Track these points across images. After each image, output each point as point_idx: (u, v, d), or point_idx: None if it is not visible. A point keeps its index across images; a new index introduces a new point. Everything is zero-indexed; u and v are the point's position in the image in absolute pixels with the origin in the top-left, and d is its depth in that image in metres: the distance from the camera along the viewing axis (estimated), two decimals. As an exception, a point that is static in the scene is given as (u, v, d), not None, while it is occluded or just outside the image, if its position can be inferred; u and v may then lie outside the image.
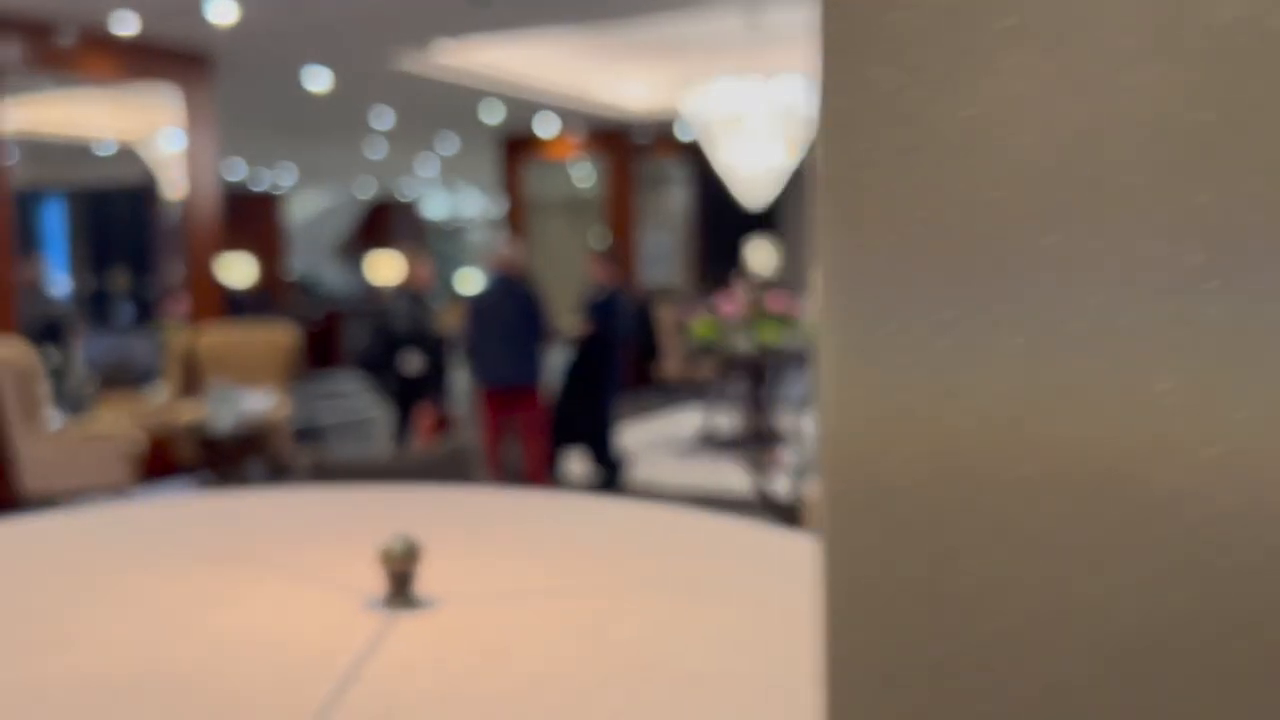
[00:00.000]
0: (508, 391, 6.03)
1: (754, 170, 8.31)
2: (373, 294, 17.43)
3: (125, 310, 11.88)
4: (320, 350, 12.53)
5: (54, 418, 6.28)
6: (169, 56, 7.13)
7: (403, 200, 18.91)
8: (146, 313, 11.37)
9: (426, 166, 14.81)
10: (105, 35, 6.70)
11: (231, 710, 0.21)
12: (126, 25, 6.51)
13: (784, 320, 8.37)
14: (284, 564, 0.34)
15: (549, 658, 0.33)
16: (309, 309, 14.54)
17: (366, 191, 17.79)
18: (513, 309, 6.00)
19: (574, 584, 0.41)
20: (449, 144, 12.42)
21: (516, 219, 12.28)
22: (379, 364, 6.38)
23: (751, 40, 7.99)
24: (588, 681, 0.32)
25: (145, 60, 7.01)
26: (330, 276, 17.88)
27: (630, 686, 0.34)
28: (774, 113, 8.04)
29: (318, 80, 8.34)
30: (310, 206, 17.64)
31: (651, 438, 8.81)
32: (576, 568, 0.42)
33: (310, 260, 17.43)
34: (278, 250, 16.00)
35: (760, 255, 8.75)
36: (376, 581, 0.34)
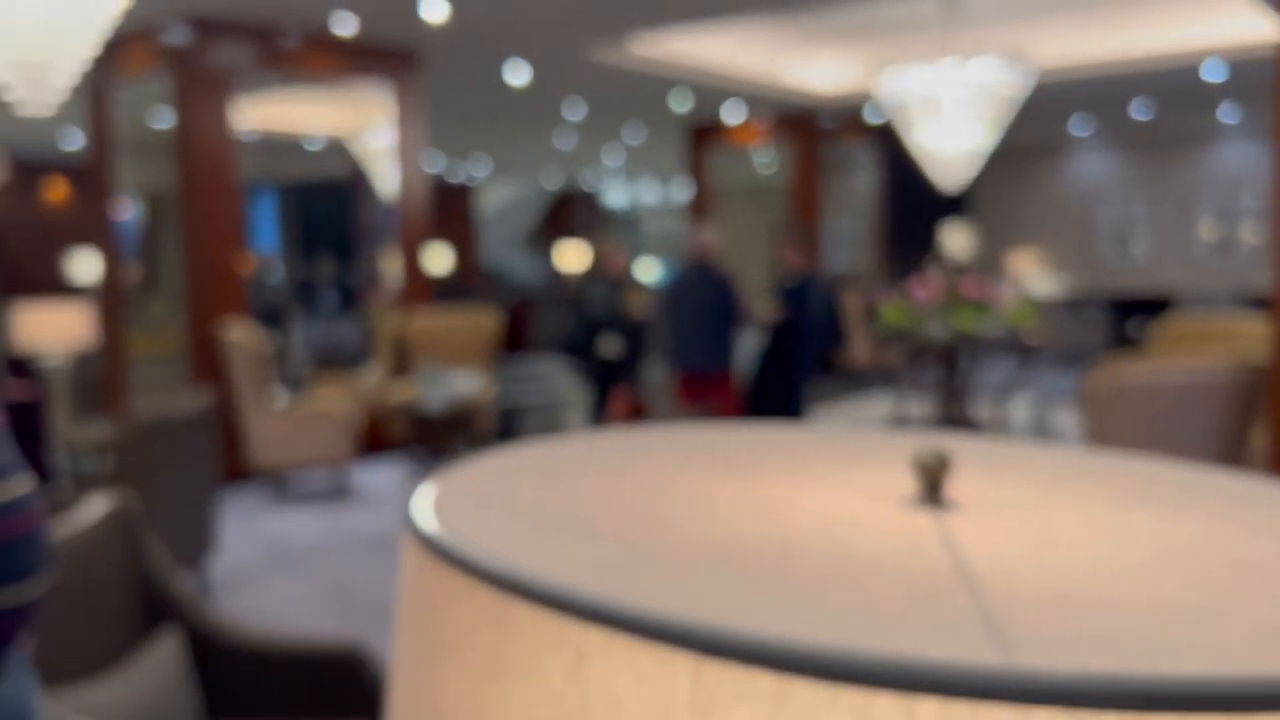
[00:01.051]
0: (701, 376, 6.10)
1: (950, 153, 8.09)
2: (559, 281, 17.91)
3: (330, 297, 12.63)
4: (511, 335, 12.96)
5: (279, 397, 6.75)
6: (382, 55, 7.53)
7: (586, 190, 19.31)
8: (350, 299, 12.06)
9: (613, 156, 15.07)
10: (326, 36, 7.13)
11: (835, 564, 0.26)
12: (346, 26, 6.91)
13: (980, 306, 8.11)
14: (812, 477, 0.38)
15: (1090, 555, 0.36)
16: (499, 296, 15.07)
17: (553, 182, 18.24)
18: (708, 295, 6.06)
19: (1078, 495, 0.44)
20: (636, 133, 12.60)
21: (701, 206, 12.34)
22: (577, 348, 6.56)
23: (947, 21, 7.79)
24: (1144, 574, 0.35)
25: (361, 59, 7.42)
26: (518, 265, 18.45)
27: (1185, 576, 0.37)
28: (971, 94, 7.81)
29: (517, 74, 8.62)
30: (500, 197, 18.24)
31: (840, 421, 8.73)
32: (1072, 483, 0.46)
33: (499, 249, 18.03)
34: (471, 239, 16.63)
35: (956, 239, 8.50)
36: (901, 490, 0.39)
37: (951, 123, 7.88)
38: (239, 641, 2.51)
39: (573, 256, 18.10)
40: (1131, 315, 13.13)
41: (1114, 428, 3.56)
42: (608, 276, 6.63)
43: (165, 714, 2.27)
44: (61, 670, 2.04)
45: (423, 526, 0.40)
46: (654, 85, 9.14)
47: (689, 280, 6.16)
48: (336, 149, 10.48)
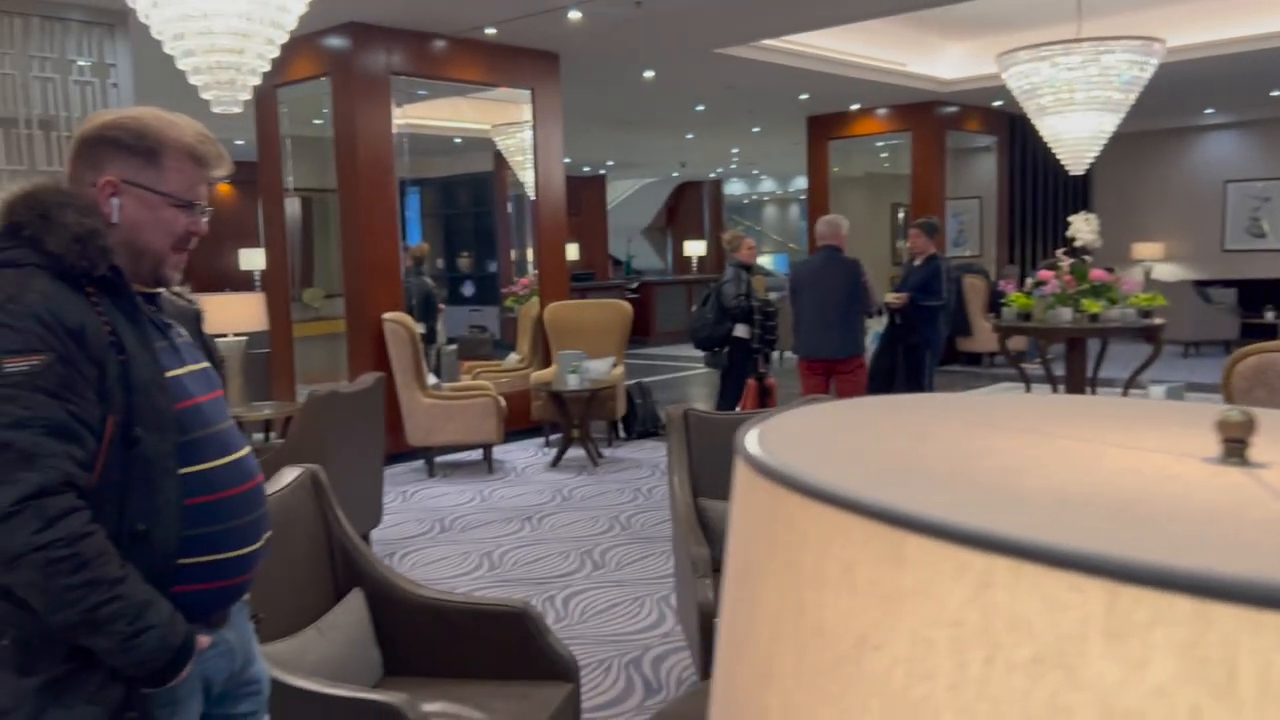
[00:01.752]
0: (829, 362, 6.29)
1: (1079, 136, 8.10)
2: (681, 269, 18.20)
3: (469, 287, 13.19)
4: (637, 321, 13.33)
5: (431, 381, 7.23)
6: (524, 55, 7.93)
7: (706, 180, 19.54)
8: (488, 289, 12.60)
9: (734, 146, 15.28)
10: (472, 39, 7.56)
11: (1180, 510, 0.32)
12: (491, 29, 7.33)
13: (1108, 292, 8.09)
14: (1105, 440, 0.43)
15: None
16: (625, 282, 15.47)
17: (675, 172, 18.53)
18: (836, 280, 6.25)
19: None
20: (758, 123, 12.79)
21: (819, 194, 12.47)
22: (710, 333, 6.82)
23: (1072, 9, 7.81)
24: None
25: (505, 60, 7.84)
26: (641, 253, 18.82)
27: None
28: (1100, 78, 7.80)
29: (647, 71, 8.94)
30: (624, 188, 18.63)
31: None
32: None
33: (623, 238, 18.43)
34: (599, 229, 17.06)
35: (1083, 226, 8.47)
36: (1200, 451, 0.41)
37: (1080, 107, 7.89)
38: (420, 604, 2.80)
39: (690, 245, 18.38)
40: (1265, 302, 12.72)
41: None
42: (739, 262, 6.87)
43: (351, 671, 2.60)
44: (266, 627, 2.17)
45: (789, 469, 0.42)
46: (776, 75, 9.34)
47: (818, 266, 6.35)
48: (476, 145, 10.97)
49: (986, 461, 0.45)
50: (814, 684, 0.40)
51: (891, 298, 6.84)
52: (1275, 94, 11.71)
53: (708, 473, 3.66)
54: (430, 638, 2.78)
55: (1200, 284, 12.82)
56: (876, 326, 6.88)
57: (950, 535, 0.36)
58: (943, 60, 10.40)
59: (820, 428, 0.51)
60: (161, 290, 1.71)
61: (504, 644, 2.73)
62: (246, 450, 1.74)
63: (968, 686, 0.35)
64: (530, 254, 9.49)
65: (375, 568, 2.82)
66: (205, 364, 1.75)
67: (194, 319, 1.82)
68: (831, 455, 0.46)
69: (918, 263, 6.96)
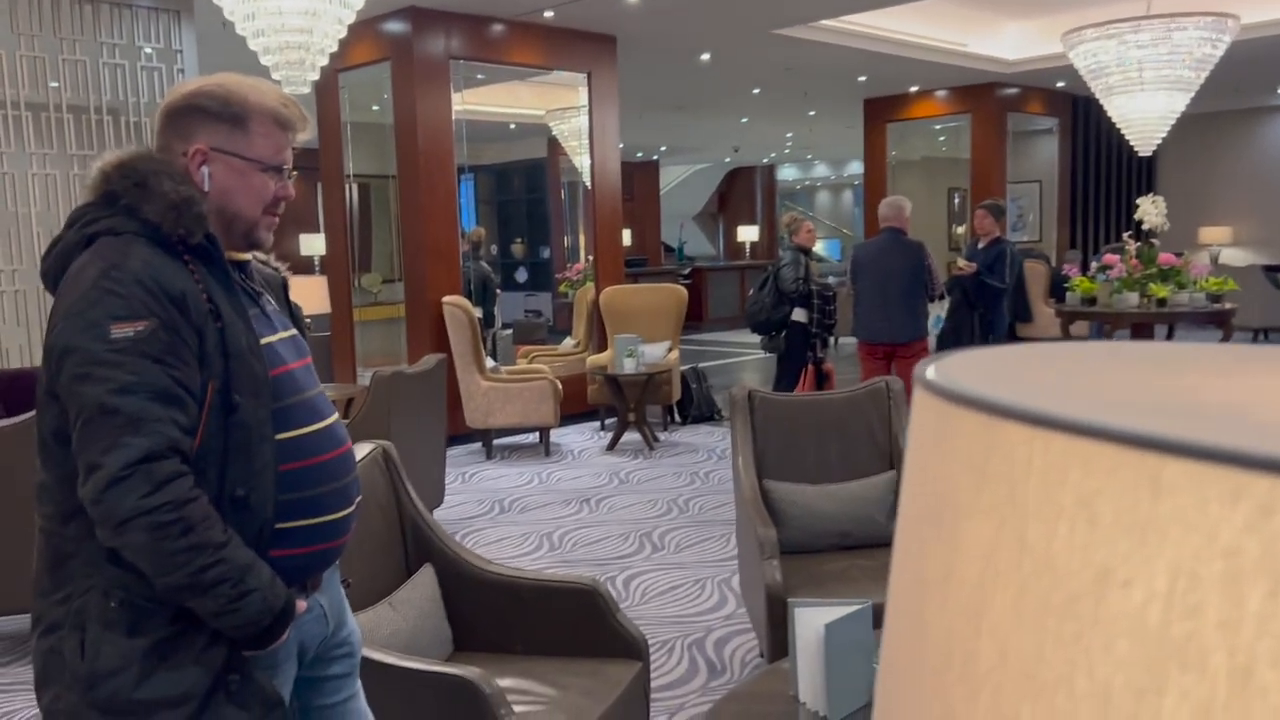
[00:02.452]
0: (890, 346, 6.20)
1: (1148, 117, 7.91)
2: (732, 255, 18.11)
3: (522, 273, 13.24)
4: (690, 307, 13.29)
5: (489, 364, 7.26)
6: (581, 38, 7.91)
7: (758, 165, 19.41)
8: (541, 275, 12.64)
9: (789, 130, 15.14)
10: (530, 23, 7.56)
11: None
12: (549, 12, 7.31)
13: (1176, 276, 7.91)
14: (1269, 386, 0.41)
15: None
16: (678, 268, 15.43)
17: (728, 158, 18.42)
18: (899, 264, 6.15)
19: None
20: (814, 106, 12.65)
21: (875, 178, 12.32)
22: (766, 316, 6.76)
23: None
24: None
25: (562, 43, 7.83)
26: (693, 239, 18.76)
27: None
28: (1169, 56, 7.60)
29: (704, 53, 8.88)
30: (677, 173, 18.56)
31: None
32: None
33: (674, 224, 18.38)
34: (652, 214, 17.02)
35: (1150, 209, 8.28)
36: None
37: (1150, 86, 7.71)
38: (489, 580, 2.80)
39: (743, 230, 18.27)
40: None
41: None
42: (798, 246, 6.80)
43: (422, 646, 2.62)
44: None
45: (1009, 400, 0.39)
46: (836, 58, 9.23)
47: (880, 248, 6.26)
48: (531, 131, 10.99)
49: (1202, 398, 0.41)
50: (1040, 625, 0.37)
51: (961, 263, 6.73)
52: (1351, 73, 11.34)
53: (772, 454, 3.63)
54: (499, 614, 2.79)
55: (1270, 269, 12.48)
56: (938, 310, 6.77)
57: (1222, 458, 0.32)
58: (1004, 40, 10.20)
59: (1000, 368, 0.48)
60: (250, 259, 1.72)
61: (573, 621, 2.72)
62: (336, 417, 1.75)
63: (1245, 624, 0.32)
64: (583, 240, 9.50)
65: (445, 544, 2.83)
66: (294, 331, 1.76)
67: (280, 286, 1.83)
68: (1033, 389, 0.42)
69: (982, 245, 6.84)
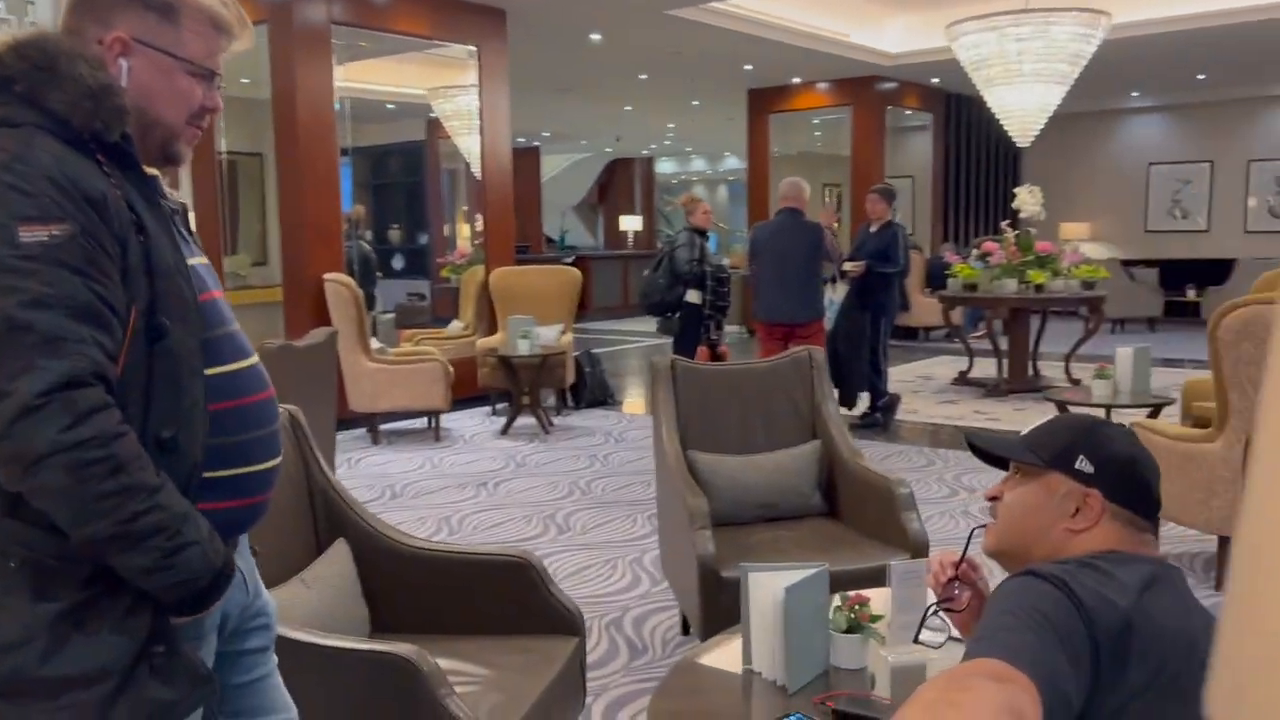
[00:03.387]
0: (789, 326, 6.19)
1: (1026, 109, 8.13)
2: (613, 245, 18.03)
3: (399, 260, 12.83)
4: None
5: (375, 345, 6.94)
6: (470, 10, 7.65)
7: (638, 157, 19.37)
8: (419, 262, 12.26)
9: (671, 121, 15.12)
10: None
11: None
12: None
13: (1051, 264, 8.17)
14: None
15: None
16: (559, 257, 15.23)
17: (609, 147, 18.32)
18: (798, 244, 6.15)
19: None
20: (698, 95, 12.65)
21: (759, 170, 12.40)
22: (661, 297, 6.67)
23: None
24: None
25: (449, 15, 7.55)
26: (572, 228, 18.60)
27: None
28: (1045, 51, 7.84)
29: (595, 32, 8.73)
30: (557, 163, 18.35)
31: (908, 381, 8.82)
32: None
33: (554, 214, 18.17)
34: (534, 202, 16.75)
35: (1028, 198, 8.54)
36: None
37: (1028, 79, 7.92)
38: (410, 555, 2.58)
39: (622, 221, 18.22)
40: (1185, 281, 13.06)
41: (1245, 369, 3.65)
42: (693, 228, 6.73)
43: (336, 627, 2.40)
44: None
45: None
46: (724, 43, 9.21)
47: (779, 228, 6.24)
48: (409, 112, 10.62)
49: None
50: None
51: (849, 266, 6.76)
52: (1200, 78, 11.98)
53: (694, 425, 3.51)
54: (420, 591, 2.59)
55: (1125, 263, 13.10)
56: (833, 294, 6.79)
57: None
58: (886, 33, 10.39)
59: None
60: (159, 175, 1.49)
61: (503, 597, 2.54)
62: (258, 358, 1.54)
63: None
64: (463, 226, 9.26)
65: (361, 517, 2.61)
66: (207, 260, 1.54)
67: (182, 214, 1.60)
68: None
69: (874, 229, 6.90)
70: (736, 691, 2.16)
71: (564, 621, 2.52)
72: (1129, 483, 1.39)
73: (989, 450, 1.53)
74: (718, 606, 2.92)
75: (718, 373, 3.73)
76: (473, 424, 7.25)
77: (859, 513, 3.33)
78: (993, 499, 1.51)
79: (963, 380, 8.75)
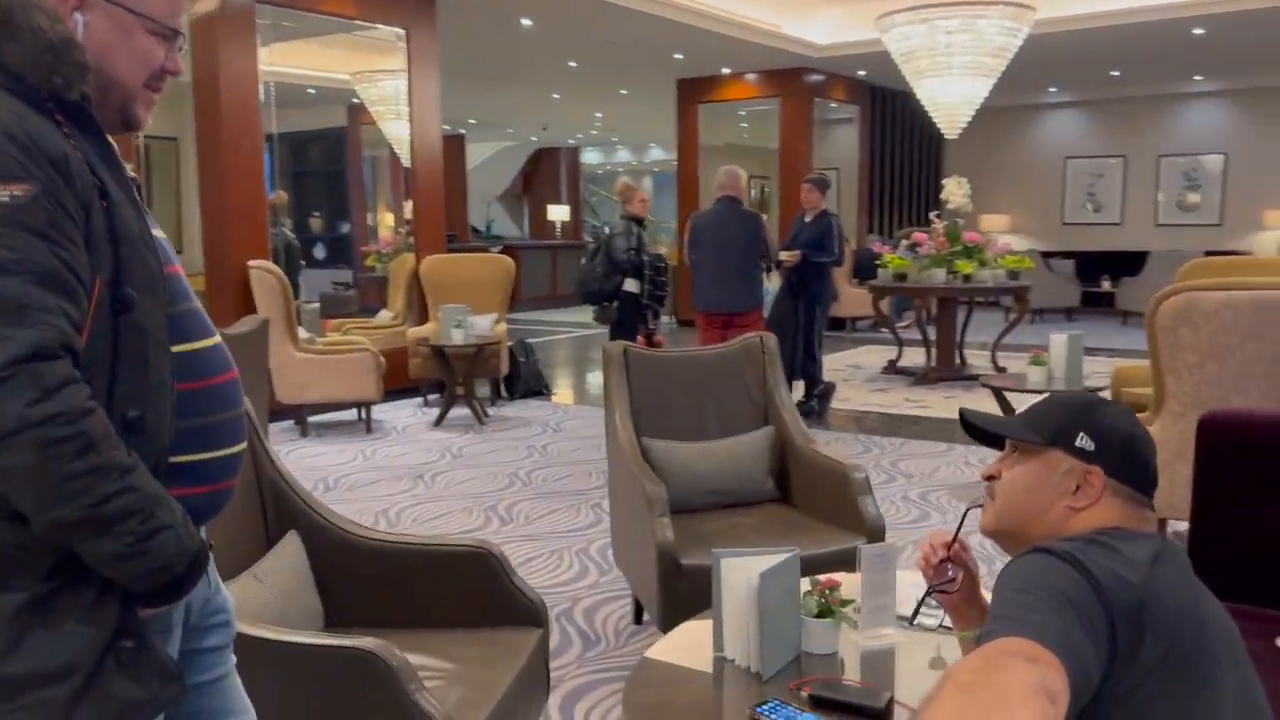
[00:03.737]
0: (728, 315, 6.18)
1: (954, 101, 8.26)
2: (539, 235, 17.88)
3: (320, 249, 12.53)
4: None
5: (303, 334, 6.75)
6: (399, -6, 7.48)
7: (563, 147, 19.23)
8: (341, 251, 11.99)
9: (598, 110, 15.03)
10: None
11: None
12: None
13: (979, 254, 8.31)
14: None
15: None
16: (486, 245, 15.05)
17: (535, 136, 18.15)
18: (736, 233, 6.13)
19: None
20: (627, 84, 12.59)
21: (689, 160, 12.40)
22: (598, 286, 6.60)
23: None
24: None
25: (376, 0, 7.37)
26: (497, 218, 18.40)
27: None
28: (972, 44, 7.96)
29: (526, 18, 8.60)
30: (482, 151, 18.12)
31: (839, 370, 8.89)
32: None
33: (478, 203, 17.95)
34: (459, 191, 16.50)
35: (956, 189, 8.67)
36: None
37: (956, 71, 8.04)
38: (365, 547, 2.49)
39: (549, 212, 18.09)
40: (1100, 272, 13.44)
41: (1178, 354, 3.73)
42: (630, 216, 6.67)
43: (291, 622, 2.30)
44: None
45: None
46: (656, 30, 9.17)
47: (717, 217, 6.22)
48: (331, 98, 10.37)
49: None
50: None
51: (785, 256, 6.78)
52: (1114, 74, 12.31)
53: (647, 412, 3.47)
54: (374, 584, 2.50)
55: (1044, 255, 13.42)
56: (769, 284, 6.80)
57: None
58: (816, 25, 10.45)
59: None
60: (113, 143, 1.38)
61: (463, 588, 2.47)
62: (220, 338, 1.44)
63: None
64: (385, 217, 9.08)
65: (313, 509, 2.51)
66: (163, 233, 1.44)
67: (136, 189, 1.50)
68: None
69: (808, 219, 6.92)
70: (709, 680, 2.11)
71: (527, 613, 2.46)
72: (1129, 459, 1.38)
73: (986, 429, 1.51)
74: (677, 594, 2.88)
75: (670, 360, 3.68)
76: (405, 415, 7.10)
77: (813, 498, 3.32)
78: (990, 478, 1.49)
79: (892, 369, 8.86)
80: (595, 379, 8.93)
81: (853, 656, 2.17)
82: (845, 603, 2.25)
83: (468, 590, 2.45)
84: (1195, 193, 13.41)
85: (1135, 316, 12.36)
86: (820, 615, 2.21)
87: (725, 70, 11.64)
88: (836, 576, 2.32)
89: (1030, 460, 1.42)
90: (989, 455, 6.12)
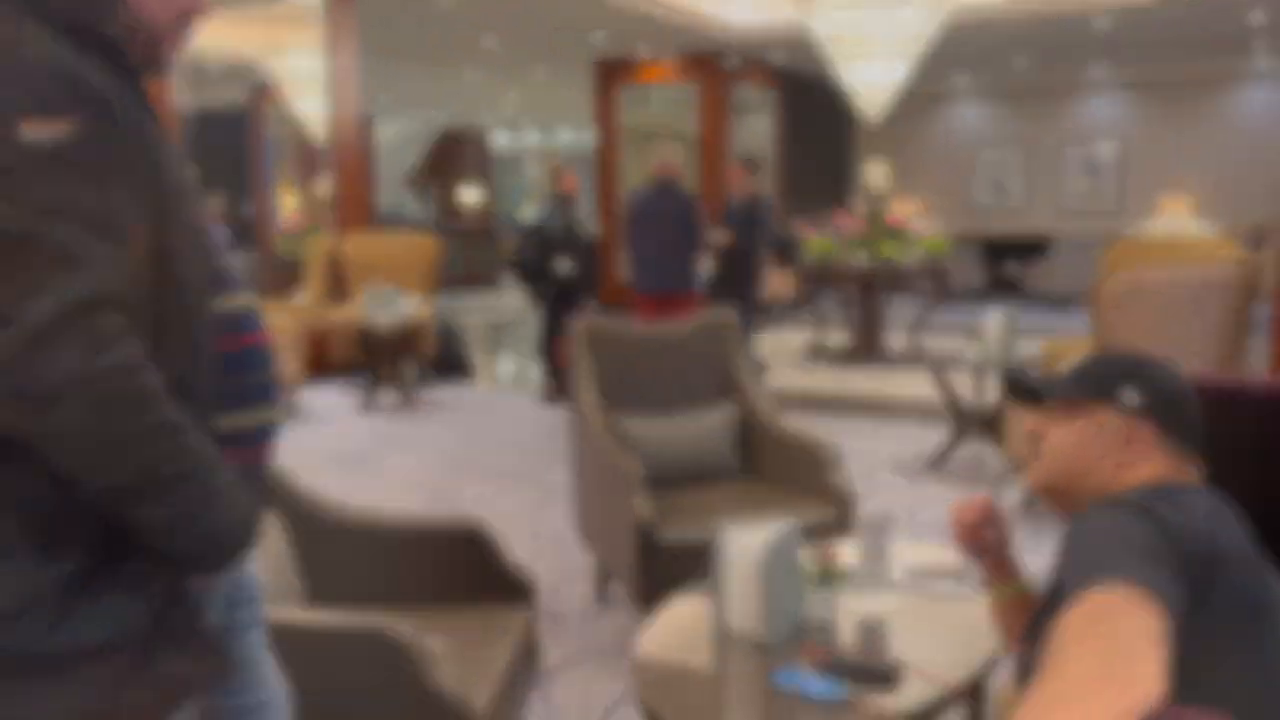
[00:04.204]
0: (662, 296, 6.15)
1: (878, 84, 8.36)
2: (449, 220, 17.59)
3: (224, 228, 12.11)
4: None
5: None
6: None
7: (471, 129, 18.94)
8: (244, 232, 11.61)
9: (511, 91, 14.83)
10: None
11: None
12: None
13: (901, 236, 8.45)
14: None
15: None
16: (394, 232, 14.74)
17: (442, 121, 17.83)
18: (671, 215, 6.10)
19: None
20: (542, 65, 12.44)
21: (610, 144, 12.32)
22: (532, 268, 6.52)
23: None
24: None
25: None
26: (405, 202, 18.04)
27: None
28: (895, 28, 8.08)
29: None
30: (387, 133, 17.73)
31: (764, 352, 8.95)
32: None
33: (387, 186, 17.56)
34: (367, 173, 16.11)
35: (876, 173, 8.80)
36: None
37: (879, 54, 8.14)
38: (349, 526, 2.43)
39: (458, 196, 17.82)
40: (1006, 257, 13.85)
41: (1124, 330, 3.84)
42: (562, 196, 6.60)
43: (273, 599, 2.21)
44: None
45: None
46: (576, 8, 9.07)
47: (652, 200, 6.18)
48: (232, 75, 10.01)
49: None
50: None
51: (717, 236, 6.78)
52: (1020, 63, 12.66)
53: (614, 389, 3.41)
54: (358, 564, 2.41)
55: (953, 243, 13.74)
56: (707, 265, 6.80)
57: None
58: (734, 6, 10.46)
59: None
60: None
61: (450, 567, 2.39)
62: (254, 305, 1.35)
63: None
64: (288, 199, 8.82)
65: (292, 488, 2.40)
66: None
67: None
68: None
69: (739, 201, 6.94)
70: (720, 653, 2.09)
71: (515, 589, 2.39)
72: (1178, 414, 1.39)
73: (1034, 388, 1.50)
74: (654, 570, 2.85)
75: (634, 337, 3.63)
76: (329, 400, 6.90)
77: (782, 472, 3.32)
78: (1033, 433, 1.49)
79: (815, 351, 8.96)
80: (516, 361, 8.82)
81: (851, 623, 2.17)
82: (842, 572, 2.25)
83: (454, 569, 2.38)
84: (1094, 178, 13.90)
85: (1041, 300, 12.79)
86: (821, 584, 2.21)
87: (643, 54, 11.59)
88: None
89: (1078, 417, 1.42)
90: (922, 436, 6.23)
